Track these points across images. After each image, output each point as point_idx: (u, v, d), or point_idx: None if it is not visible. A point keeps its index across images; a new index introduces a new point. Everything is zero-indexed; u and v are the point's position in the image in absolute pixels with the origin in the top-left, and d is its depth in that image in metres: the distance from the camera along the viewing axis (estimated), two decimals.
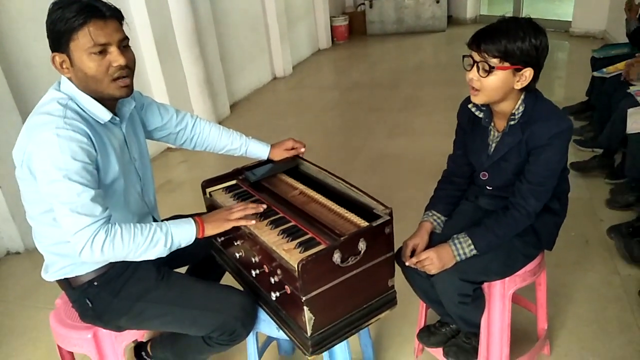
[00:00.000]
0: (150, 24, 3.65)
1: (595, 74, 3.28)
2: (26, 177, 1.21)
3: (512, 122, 1.35)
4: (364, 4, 7.78)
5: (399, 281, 1.44)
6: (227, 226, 1.31)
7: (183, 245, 1.26)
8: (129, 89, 1.25)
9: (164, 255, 1.24)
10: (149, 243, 1.20)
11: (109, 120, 1.27)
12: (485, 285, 1.47)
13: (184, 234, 1.25)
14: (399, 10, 7.53)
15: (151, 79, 3.85)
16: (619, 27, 3.59)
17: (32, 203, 1.27)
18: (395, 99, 4.80)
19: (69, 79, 1.23)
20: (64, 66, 1.20)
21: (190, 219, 1.29)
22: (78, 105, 1.22)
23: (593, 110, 3.43)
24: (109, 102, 1.27)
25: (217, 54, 4.59)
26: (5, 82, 2.57)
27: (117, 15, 1.20)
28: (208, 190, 1.56)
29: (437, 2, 7.33)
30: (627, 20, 3.29)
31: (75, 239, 1.14)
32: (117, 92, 1.23)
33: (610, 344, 1.78)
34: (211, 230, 1.29)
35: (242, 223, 1.31)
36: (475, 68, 1.29)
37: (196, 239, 1.27)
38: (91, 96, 1.23)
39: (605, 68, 3.14)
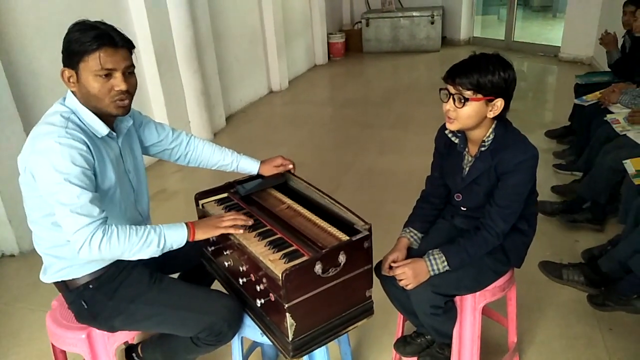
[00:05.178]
0: (151, 36, 3.78)
1: (576, 101, 3.42)
2: (29, 182, 1.31)
3: (482, 148, 1.46)
4: (360, 22, 7.97)
5: (379, 294, 1.54)
6: (216, 233, 1.40)
7: (175, 248, 1.36)
8: (126, 109, 1.37)
9: (157, 255, 1.34)
10: (142, 243, 1.29)
11: (107, 135, 1.38)
12: (457, 298, 1.57)
13: (176, 236, 1.35)
14: (394, 29, 7.73)
15: (150, 90, 3.96)
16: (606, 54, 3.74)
17: (33, 207, 1.36)
18: (388, 117, 4.93)
19: (73, 92, 1.35)
20: (71, 80, 1.33)
21: (182, 223, 1.39)
22: (79, 119, 1.34)
23: (574, 134, 3.57)
24: (107, 118, 1.39)
25: (215, 67, 4.70)
26: (9, 90, 2.64)
27: (128, 46, 1.33)
28: (201, 201, 1.65)
29: (432, 23, 7.53)
30: (608, 52, 3.45)
31: (75, 237, 1.23)
32: (115, 111, 1.35)
33: (577, 359, 1.88)
34: (201, 234, 1.39)
35: (230, 231, 1.40)
36: (451, 100, 1.40)
37: (187, 242, 1.37)
38: (92, 111, 1.35)
39: (585, 96, 3.29)
